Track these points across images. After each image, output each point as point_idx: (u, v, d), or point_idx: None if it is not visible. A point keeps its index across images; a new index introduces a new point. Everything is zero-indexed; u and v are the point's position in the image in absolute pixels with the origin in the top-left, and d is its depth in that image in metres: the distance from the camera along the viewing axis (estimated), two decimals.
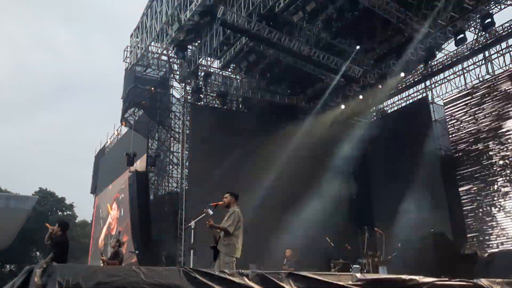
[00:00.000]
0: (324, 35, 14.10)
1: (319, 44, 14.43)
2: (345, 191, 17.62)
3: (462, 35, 13.11)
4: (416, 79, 16.69)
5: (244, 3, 12.54)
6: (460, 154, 14.74)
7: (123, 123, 19.14)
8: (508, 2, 13.04)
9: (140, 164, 18.18)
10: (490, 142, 13.79)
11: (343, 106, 17.66)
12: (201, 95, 16.37)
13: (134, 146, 17.89)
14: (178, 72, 16.68)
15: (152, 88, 16.66)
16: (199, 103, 16.63)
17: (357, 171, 18.35)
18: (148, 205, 16.37)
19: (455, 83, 15.86)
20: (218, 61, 16.20)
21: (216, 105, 17.31)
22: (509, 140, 13.31)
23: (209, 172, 14.78)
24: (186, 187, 15.26)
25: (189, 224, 7.04)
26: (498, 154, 13.57)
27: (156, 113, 17.10)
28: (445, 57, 15.69)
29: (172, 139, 17.21)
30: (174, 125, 17.22)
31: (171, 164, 17.09)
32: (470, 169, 14.27)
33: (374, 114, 19.73)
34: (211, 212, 6.19)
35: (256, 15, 12.74)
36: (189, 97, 16.50)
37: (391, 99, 18.34)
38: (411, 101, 17.73)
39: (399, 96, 18.00)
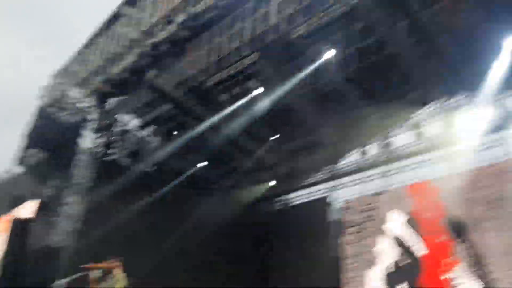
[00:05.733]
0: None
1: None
2: None
3: None
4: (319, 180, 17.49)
5: (176, 73, 12.92)
6: None
7: (20, 161, 17.65)
8: None
9: (25, 210, 16.54)
10: None
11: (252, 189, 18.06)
12: (112, 150, 15.83)
13: (24, 188, 16.42)
14: (93, 122, 16.10)
15: (62, 132, 15.79)
16: (108, 158, 15.99)
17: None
18: (24, 257, 14.61)
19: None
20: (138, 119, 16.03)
21: (125, 164, 16.73)
22: None
23: (101, 229, 13.84)
24: (69, 242, 13.98)
25: (59, 282, 6.42)
26: None
27: (61, 158, 16.06)
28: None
29: (70, 188, 16.04)
30: (77, 174, 16.15)
31: (62, 215, 15.71)
32: None
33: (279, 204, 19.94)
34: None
35: (186, 87, 13.13)
36: (99, 149, 15.83)
37: (295, 192, 18.66)
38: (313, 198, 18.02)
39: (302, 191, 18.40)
